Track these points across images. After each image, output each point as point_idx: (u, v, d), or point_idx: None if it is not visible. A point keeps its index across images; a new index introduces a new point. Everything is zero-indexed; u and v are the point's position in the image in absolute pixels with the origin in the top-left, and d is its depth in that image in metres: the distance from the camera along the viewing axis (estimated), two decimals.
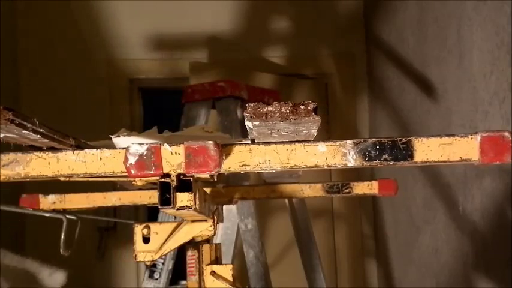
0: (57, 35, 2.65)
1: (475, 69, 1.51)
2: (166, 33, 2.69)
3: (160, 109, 3.22)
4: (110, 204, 1.21)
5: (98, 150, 0.65)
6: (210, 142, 0.60)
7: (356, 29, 2.79)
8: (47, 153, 0.65)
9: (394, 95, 2.35)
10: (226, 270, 1.00)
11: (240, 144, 0.63)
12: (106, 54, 2.66)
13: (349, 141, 0.61)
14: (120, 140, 0.87)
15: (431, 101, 1.88)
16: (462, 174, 1.64)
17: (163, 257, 1.30)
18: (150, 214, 2.65)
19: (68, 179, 0.82)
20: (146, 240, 0.97)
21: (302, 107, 0.55)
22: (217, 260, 1.05)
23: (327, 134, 2.67)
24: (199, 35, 2.70)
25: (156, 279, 1.78)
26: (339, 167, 0.61)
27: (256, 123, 0.57)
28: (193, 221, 0.97)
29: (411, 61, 2.11)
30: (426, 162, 0.60)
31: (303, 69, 2.79)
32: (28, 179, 0.66)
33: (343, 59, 2.79)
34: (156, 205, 0.72)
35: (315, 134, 0.62)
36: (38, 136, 0.67)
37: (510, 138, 0.58)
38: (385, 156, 0.60)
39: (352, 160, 0.61)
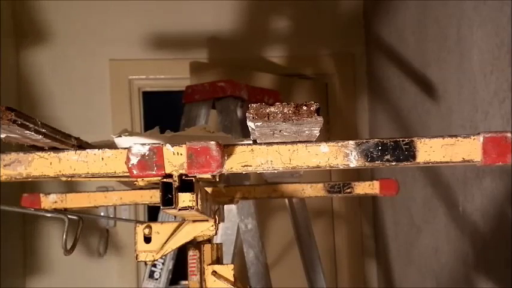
0: (57, 35, 2.65)
1: (475, 69, 1.51)
2: (167, 33, 2.69)
3: (160, 109, 3.22)
4: (111, 204, 1.20)
5: (100, 150, 0.65)
6: (212, 142, 0.60)
7: (356, 29, 2.79)
8: (48, 153, 0.65)
9: (394, 95, 2.35)
10: (227, 270, 1.00)
11: (242, 144, 0.62)
12: (106, 54, 2.66)
13: (351, 142, 0.61)
14: (122, 140, 0.87)
15: (432, 101, 1.88)
16: (462, 174, 1.64)
17: (164, 257, 1.29)
18: (150, 213, 2.66)
19: (69, 179, 0.82)
20: (147, 240, 0.97)
21: (305, 107, 0.54)
22: (218, 260, 1.05)
23: (326, 133, 2.67)
24: (199, 35, 2.70)
25: (156, 279, 1.78)
26: (341, 167, 0.61)
27: (259, 123, 0.57)
28: (194, 221, 0.97)
29: (411, 61, 2.11)
30: (428, 163, 0.59)
31: (303, 69, 2.79)
32: (30, 179, 0.66)
33: (343, 59, 2.79)
34: (157, 205, 0.72)
35: (317, 135, 0.62)
36: (40, 136, 0.67)
37: None
38: (388, 156, 0.60)
39: (354, 161, 0.60)
